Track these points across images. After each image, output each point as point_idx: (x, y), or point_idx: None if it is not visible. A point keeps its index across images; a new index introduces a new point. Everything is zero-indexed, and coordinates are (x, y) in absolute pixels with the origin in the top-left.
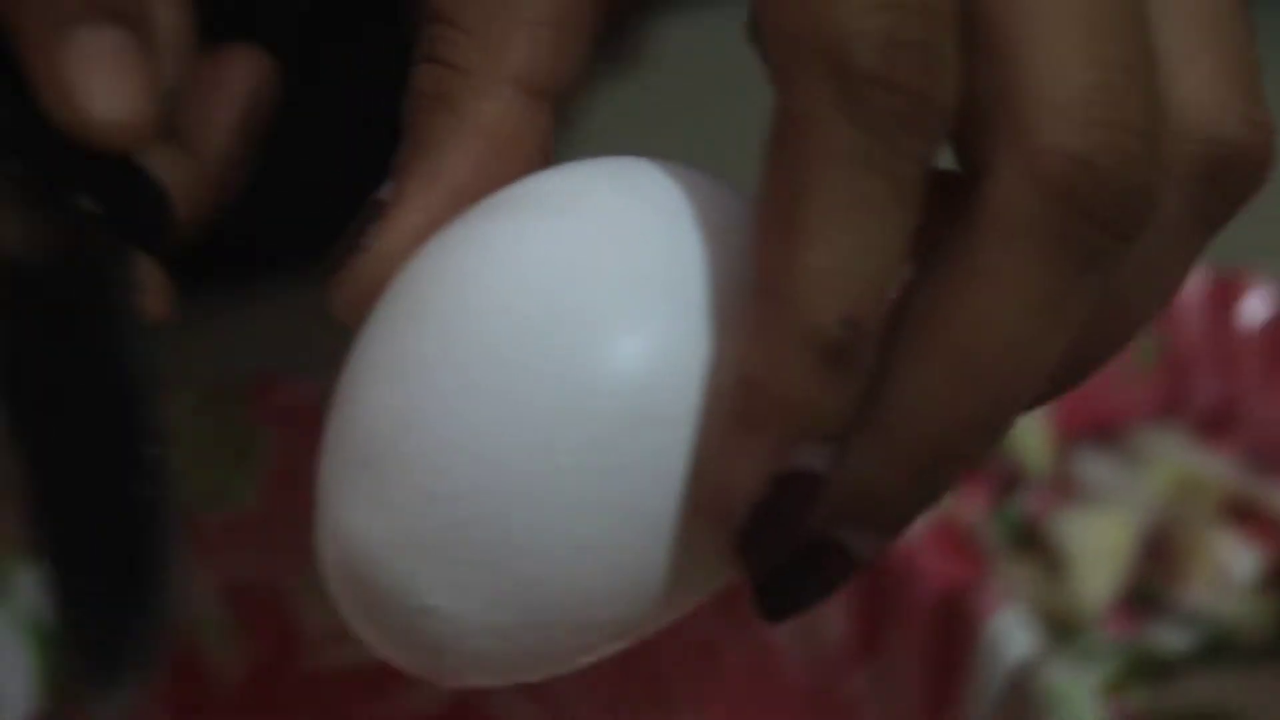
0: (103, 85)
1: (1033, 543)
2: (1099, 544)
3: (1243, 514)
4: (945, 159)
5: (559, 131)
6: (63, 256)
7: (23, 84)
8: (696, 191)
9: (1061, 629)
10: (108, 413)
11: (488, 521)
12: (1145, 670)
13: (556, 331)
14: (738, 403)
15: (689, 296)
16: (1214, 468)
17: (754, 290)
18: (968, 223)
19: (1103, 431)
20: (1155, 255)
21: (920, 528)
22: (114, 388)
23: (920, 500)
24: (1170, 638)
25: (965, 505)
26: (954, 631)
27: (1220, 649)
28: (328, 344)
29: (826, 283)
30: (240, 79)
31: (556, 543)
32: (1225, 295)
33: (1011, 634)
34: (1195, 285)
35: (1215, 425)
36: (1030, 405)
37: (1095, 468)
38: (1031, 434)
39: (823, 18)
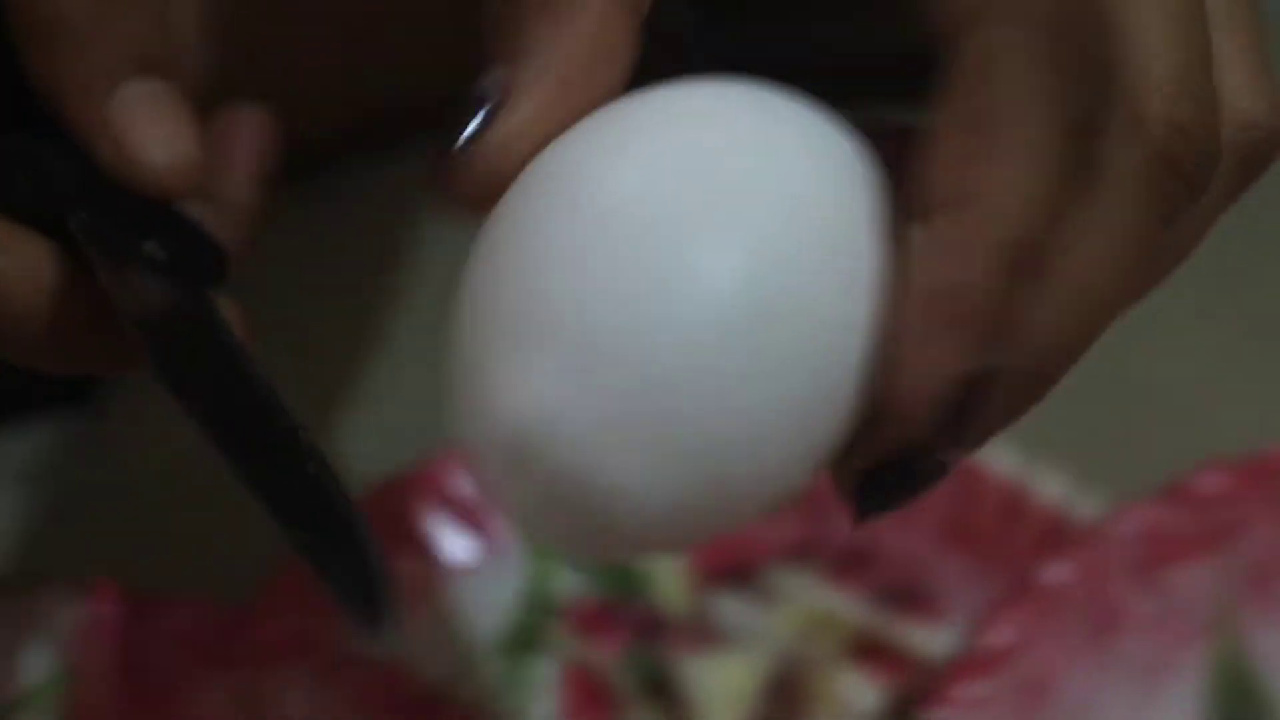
0: (152, 134)
1: (664, 688)
2: (725, 687)
3: (871, 650)
4: None
5: None
6: (181, 305)
7: (67, 139)
8: (817, 116)
9: None
10: (270, 417)
11: (681, 401)
12: None
13: (729, 227)
14: (937, 304)
15: (843, 207)
16: (843, 605)
17: (941, 202)
18: (1086, 176)
19: (740, 573)
20: (1196, 214)
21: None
22: (259, 394)
23: (1014, 415)
24: None
25: (599, 650)
26: None
27: None
28: None
29: (1025, 203)
30: (251, 134)
31: (742, 420)
32: None
33: None
34: None
35: (850, 563)
36: None
37: (730, 609)
38: (669, 577)
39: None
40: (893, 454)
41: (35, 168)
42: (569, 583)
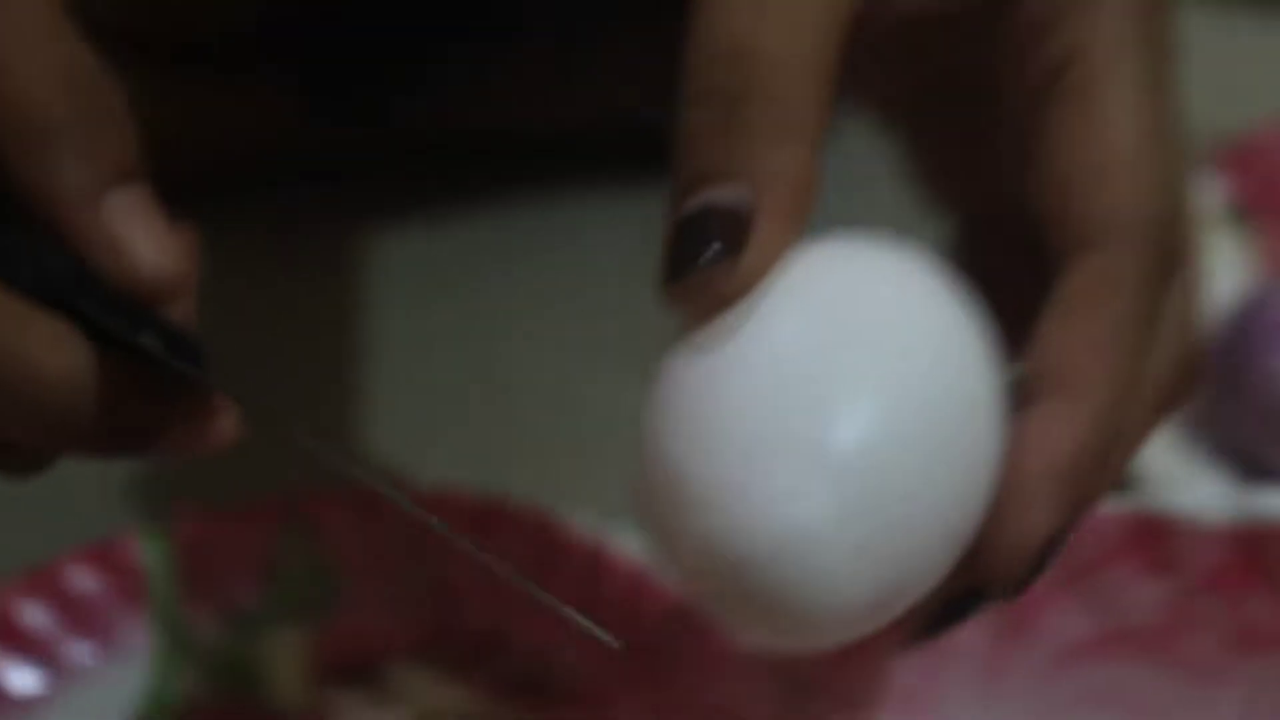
0: (144, 242)
1: None
2: None
3: None
4: None
5: None
6: None
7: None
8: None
9: None
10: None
11: (897, 516)
12: None
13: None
14: (1050, 477)
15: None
16: (466, 701)
17: (1057, 387)
18: (1092, 287)
19: (360, 669)
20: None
21: None
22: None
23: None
24: None
25: None
26: None
27: None
28: None
29: (1127, 395)
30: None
31: (931, 532)
32: (490, 522)
33: None
34: (460, 508)
35: (478, 655)
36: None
37: (349, 707)
38: (289, 675)
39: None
40: (977, 591)
41: (36, 260)
42: (187, 684)
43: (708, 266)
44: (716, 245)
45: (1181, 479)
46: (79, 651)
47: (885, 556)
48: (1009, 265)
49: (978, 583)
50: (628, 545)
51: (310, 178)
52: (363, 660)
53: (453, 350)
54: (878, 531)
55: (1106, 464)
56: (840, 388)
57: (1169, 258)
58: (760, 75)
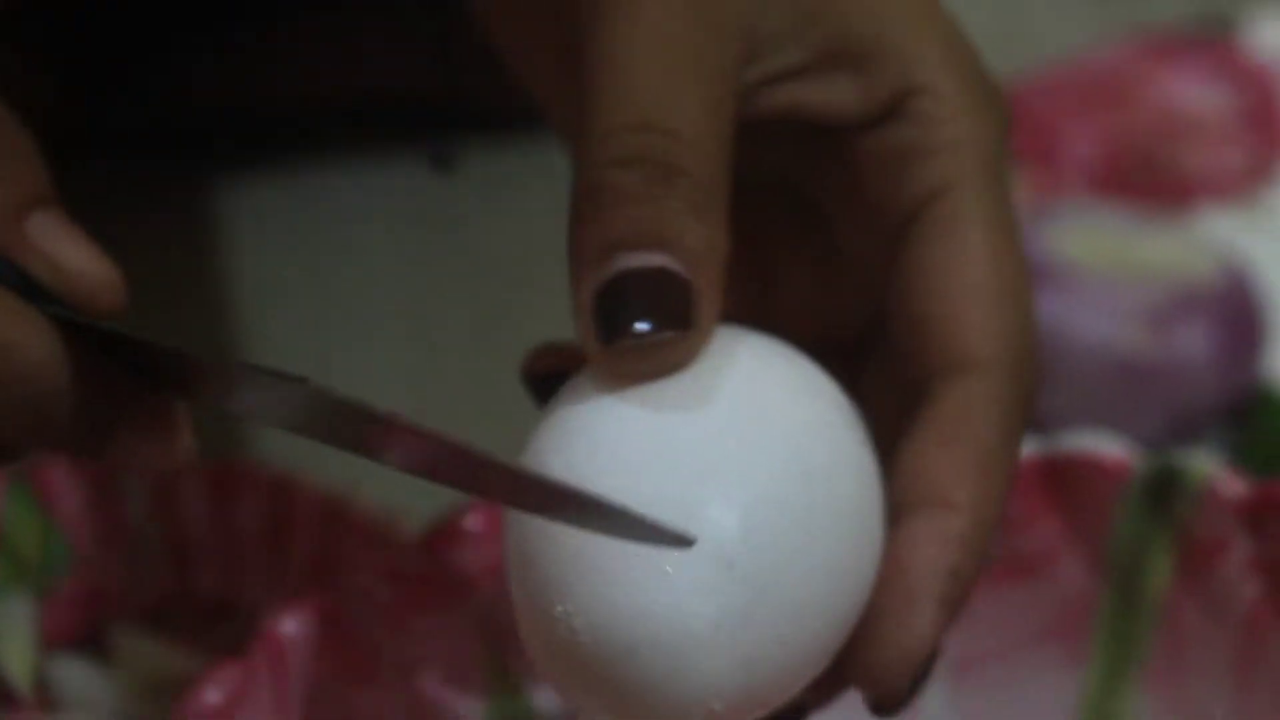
0: (76, 256)
1: None
2: None
3: None
4: None
5: None
6: None
7: None
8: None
9: None
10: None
11: (772, 601)
12: None
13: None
14: (939, 588)
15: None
16: (189, 666)
17: (936, 506)
18: (963, 414)
19: (90, 635)
20: None
21: None
22: None
23: None
24: None
25: None
26: None
27: None
28: None
29: (998, 509)
30: None
31: (810, 634)
32: (227, 485)
33: None
34: (193, 482)
35: (210, 619)
36: None
37: (71, 674)
38: (14, 645)
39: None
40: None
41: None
42: None
43: (654, 335)
44: (663, 314)
45: None
46: None
47: (757, 655)
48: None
49: (864, 694)
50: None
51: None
52: (91, 627)
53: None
54: (753, 630)
55: (974, 577)
56: (725, 478)
57: (1029, 387)
58: (681, 150)
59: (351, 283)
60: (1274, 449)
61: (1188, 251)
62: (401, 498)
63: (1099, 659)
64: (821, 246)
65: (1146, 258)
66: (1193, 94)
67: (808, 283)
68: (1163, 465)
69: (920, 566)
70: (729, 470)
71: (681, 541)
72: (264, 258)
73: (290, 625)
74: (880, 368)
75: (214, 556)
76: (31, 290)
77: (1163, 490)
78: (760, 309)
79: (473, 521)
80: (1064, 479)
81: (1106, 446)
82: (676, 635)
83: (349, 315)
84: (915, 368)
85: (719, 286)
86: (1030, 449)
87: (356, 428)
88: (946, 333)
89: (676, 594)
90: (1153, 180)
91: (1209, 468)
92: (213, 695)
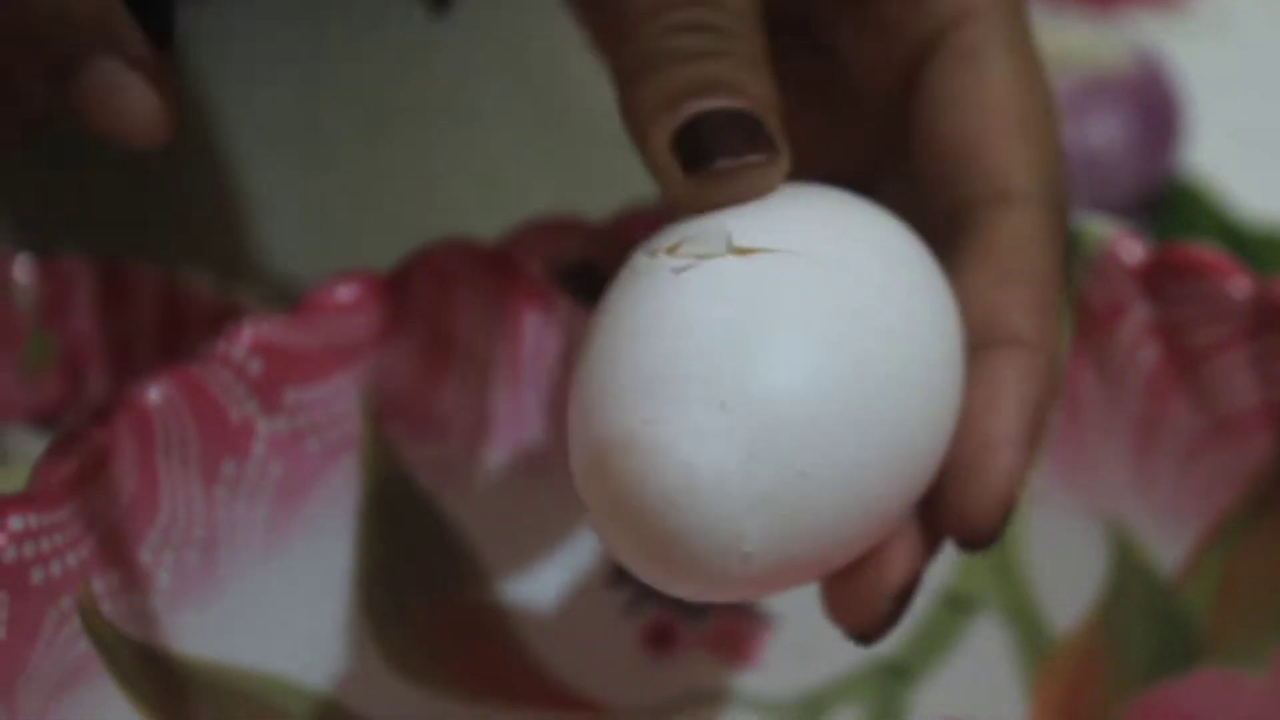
0: None
1: None
2: None
3: None
4: None
5: None
6: None
7: None
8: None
9: None
10: None
11: (817, 471)
12: None
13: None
14: (1023, 427)
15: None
16: None
17: (1006, 343)
18: (1016, 245)
19: None
20: None
21: None
22: None
23: None
24: None
25: None
26: None
27: None
28: None
29: (1054, 336)
30: None
31: (858, 493)
32: (117, 287)
33: None
34: (85, 276)
35: None
36: None
37: None
38: None
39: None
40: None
41: None
42: None
43: (742, 160)
44: (747, 141)
45: None
46: None
47: (795, 512)
48: None
49: (954, 537)
50: None
51: None
52: None
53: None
54: (789, 485)
55: (1051, 413)
56: (774, 331)
57: (1066, 216)
58: (728, 18)
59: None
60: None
61: (1103, 42)
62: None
63: None
64: (829, 82)
65: (1061, 47)
66: None
67: (815, 121)
68: None
69: (1006, 405)
70: (770, 328)
71: None
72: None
73: (155, 393)
74: (892, 204)
75: (104, 360)
76: None
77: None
78: None
79: (347, 292)
80: None
81: None
82: (684, 478)
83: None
84: (948, 199)
85: (785, 127)
86: None
87: None
88: (985, 162)
89: (676, 436)
90: None
91: (1107, 231)
92: (68, 465)
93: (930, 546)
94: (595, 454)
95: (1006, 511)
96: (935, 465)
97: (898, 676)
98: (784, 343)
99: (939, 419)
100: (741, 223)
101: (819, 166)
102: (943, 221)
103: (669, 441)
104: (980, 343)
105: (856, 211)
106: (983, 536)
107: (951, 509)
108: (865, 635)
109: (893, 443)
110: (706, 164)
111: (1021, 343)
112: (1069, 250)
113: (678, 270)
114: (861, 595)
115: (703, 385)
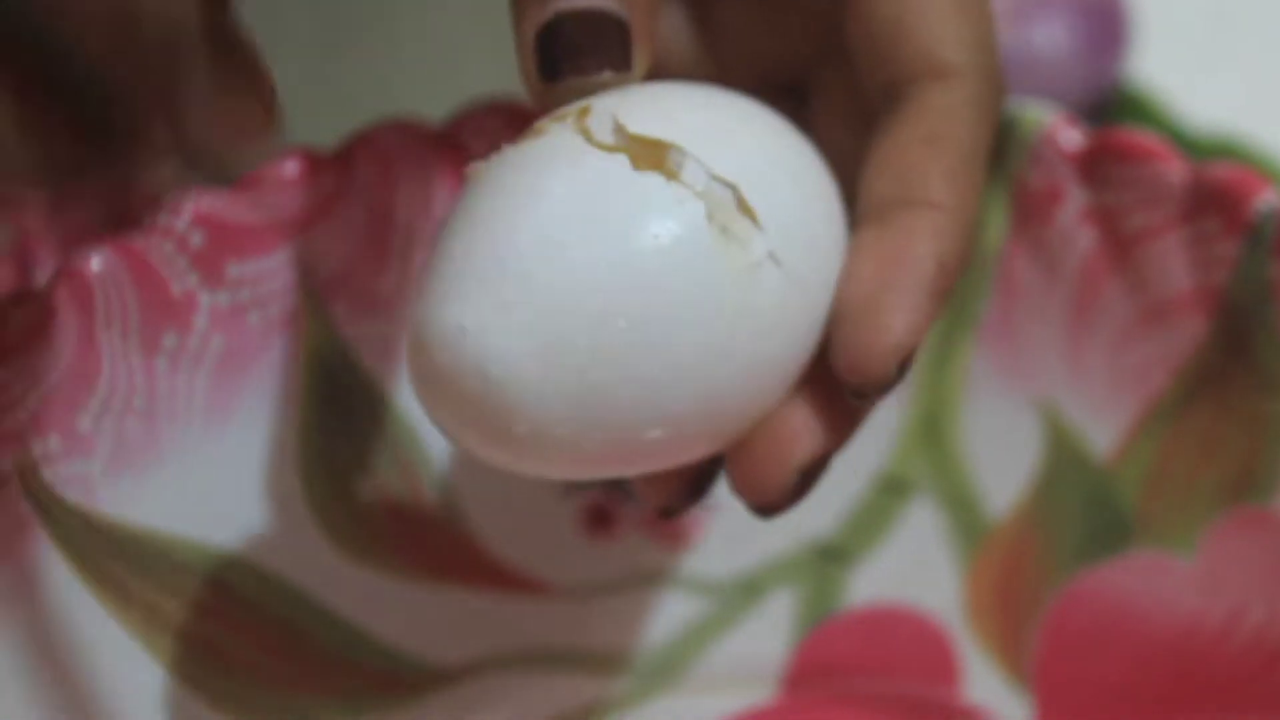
0: None
1: None
2: None
3: None
4: None
5: None
6: None
7: None
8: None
9: None
10: None
11: (613, 336)
12: None
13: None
14: (926, 282)
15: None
16: None
17: (920, 205)
18: (943, 115)
19: None
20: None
21: None
22: None
23: None
24: None
25: None
26: None
27: None
28: None
29: (974, 204)
30: None
31: (671, 359)
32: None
33: None
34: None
35: None
36: None
37: None
38: None
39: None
40: (852, 397)
41: None
42: None
43: (594, 72)
44: (600, 54)
45: None
46: None
47: (602, 388)
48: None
49: (847, 385)
50: None
51: None
52: None
53: None
54: (595, 360)
55: (956, 278)
56: (566, 225)
57: (998, 96)
58: None
59: None
60: None
61: None
62: None
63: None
64: None
65: None
66: None
67: (749, 24)
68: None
69: (913, 258)
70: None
71: None
72: None
73: (96, 262)
74: (829, 103)
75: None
76: None
77: (998, 142)
78: (701, 56)
79: (291, 168)
80: None
81: None
82: (505, 356)
83: None
84: (883, 76)
85: (652, 29)
86: None
87: None
88: (919, 39)
89: (478, 333)
90: None
91: (1045, 117)
92: (9, 329)
93: (837, 422)
94: (410, 340)
95: (901, 360)
96: (797, 350)
97: (834, 558)
98: (576, 236)
99: (802, 305)
100: (627, 105)
101: (754, 74)
102: (881, 101)
103: (470, 337)
104: (893, 204)
105: (741, 108)
106: (876, 383)
107: (842, 355)
108: (766, 508)
109: (708, 331)
110: (554, 76)
111: (934, 205)
112: (1004, 132)
113: (490, 165)
114: (761, 469)
115: (496, 280)
